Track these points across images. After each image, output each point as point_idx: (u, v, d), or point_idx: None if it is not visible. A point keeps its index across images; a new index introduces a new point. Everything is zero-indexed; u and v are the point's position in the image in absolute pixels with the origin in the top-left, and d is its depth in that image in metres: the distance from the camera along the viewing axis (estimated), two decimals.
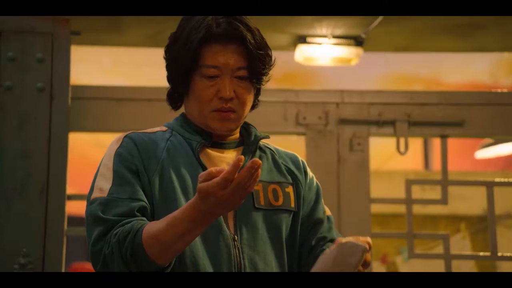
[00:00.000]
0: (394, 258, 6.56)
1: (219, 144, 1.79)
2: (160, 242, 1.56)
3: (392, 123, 3.33)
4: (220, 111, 1.74)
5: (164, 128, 1.85)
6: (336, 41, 3.75)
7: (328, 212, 1.89)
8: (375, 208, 3.47)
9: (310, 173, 1.90)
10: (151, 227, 1.59)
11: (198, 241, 1.67)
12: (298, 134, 3.32)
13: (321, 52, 3.78)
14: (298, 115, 3.30)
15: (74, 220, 3.33)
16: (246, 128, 1.86)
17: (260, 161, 1.50)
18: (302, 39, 3.74)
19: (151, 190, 1.69)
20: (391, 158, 5.99)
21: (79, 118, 3.19)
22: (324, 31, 3.66)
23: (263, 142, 1.88)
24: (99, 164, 1.76)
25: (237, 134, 1.83)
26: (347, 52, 3.79)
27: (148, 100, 3.27)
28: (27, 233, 2.90)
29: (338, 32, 3.69)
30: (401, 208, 3.58)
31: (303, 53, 3.80)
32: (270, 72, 1.80)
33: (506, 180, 3.45)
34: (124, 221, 1.62)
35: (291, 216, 1.80)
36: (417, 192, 4.88)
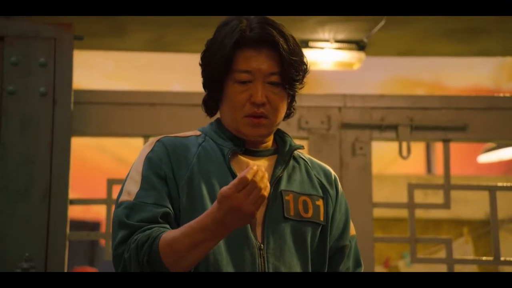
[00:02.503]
0: (397, 263, 6.55)
1: (252, 151, 1.79)
2: (175, 251, 1.57)
3: (394, 127, 3.32)
4: (252, 117, 1.74)
5: (198, 133, 1.84)
6: (339, 45, 3.76)
7: (353, 231, 1.89)
8: (378, 212, 3.47)
9: (341, 190, 1.90)
10: (168, 235, 1.60)
11: (222, 248, 1.67)
12: (301, 138, 3.32)
13: (324, 56, 3.79)
14: (301, 119, 3.30)
15: (76, 224, 3.33)
16: (281, 137, 1.86)
17: (261, 167, 1.52)
18: (305, 44, 3.75)
19: (179, 196, 1.70)
20: (394, 162, 5.99)
21: (81, 123, 3.19)
22: (326, 35, 3.67)
23: (298, 152, 1.87)
24: (131, 167, 1.78)
25: (270, 142, 1.83)
26: (350, 56, 3.79)
27: (151, 105, 3.27)
28: (29, 238, 2.90)
29: (341, 36, 3.70)
30: (403, 213, 3.57)
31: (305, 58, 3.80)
32: (305, 80, 1.80)
33: (508, 184, 3.45)
34: (145, 227, 1.63)
35: (320, 229, 1.79)
36: (419, 196, 4.88)
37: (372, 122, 3.31)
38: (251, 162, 1.75)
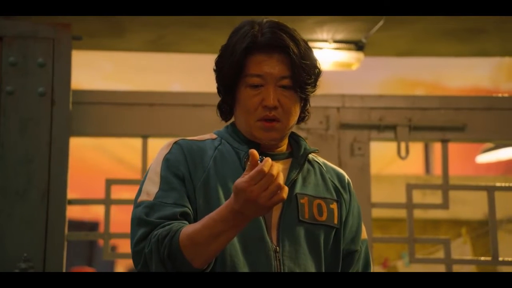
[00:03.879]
0: (395, 263, 6.56)
1: (267, 155, 1.77)
2: (195, 242, 1.59)
3: (393, 127, 3.33)
4: (264, 121, 1.76)
5: (214, 136, 1.86)
6: (337, 45, 3.76)
7: (364, 235, 1.91)
8: (376, 212, 3.47)
9: (354, 195, 1.92)
10: (188, 228, 1.62)
11: (239, 251, 1.70)
12: None
13: (322, 56, 3.79)
14: None
15: (75, 225, 3.33)
16: (296, 141, 1.88)
17: (270, 161, 1.53)
18: None
19: (195, 198, 1.72)
20: (392, 163, 6.00)
21: (80, 123, 3.19)
22: (325, 35, 3.67)
23: (312, 155, 1.90)
24: (148, 169, 1.80)
25: (285, 146, 1.85)
26: (348, 56, 3.79)
27: (150, 105, 3.27)
28: (28, 238, 2.90)
29: (339, 36, 3.70)
30: (402, 213, 3.57)
31: None
32: (318, 83, 1.82)
33: (507, 184, 3.45)
34: (165, 223, 1.66)
35: (334, 232, 1.81)
36: (418, 196, 4.89)
37: (370, 122, 3.32)
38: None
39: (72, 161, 3.04)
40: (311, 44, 3.72)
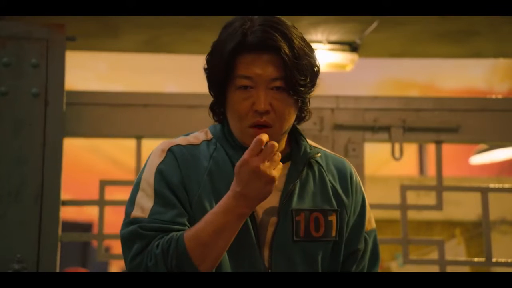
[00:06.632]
0: (389, 264, 6.57)
1: None
2: (201, 242, 1.55)
3: (387, 128, 3.33)
4: (255, 127, 1.65)
5: (209, 136, 1.76)
6: (331, 46, 3.76)
7: (371, 225, 1.81)
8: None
9: (357, 187, 1.80)
10: (190, 230, 1.58)
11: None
12: None
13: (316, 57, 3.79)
14: None
15: (68, 226, 3.32)
16: (297, 141, 1.77)
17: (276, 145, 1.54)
18: None
19: (192, 212, 1.65)
20: (386, 164, 6.00)
21: (74, 124, 3.18)
22: (319, 36, 3.67)
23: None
24: (139, 174, 1.71)
25: (283, 145, 1.73)
26: (342, 58, 3.80)
27: (144, 106, 3.26)
28: (21, 239, 2.89)
29: (333, 37, 3.70)
30: (396, 214, 3.57)
31: None
32: (317, 82, 1.72)
33: (501, 186, 3.45)
34: (163, 234, 1.59)
35: (331, 244, 1.73)
36: (412, 197, 4.89)
37: (364, 123, 3.32)
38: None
39: (66, 162, 3.03)
40: None
